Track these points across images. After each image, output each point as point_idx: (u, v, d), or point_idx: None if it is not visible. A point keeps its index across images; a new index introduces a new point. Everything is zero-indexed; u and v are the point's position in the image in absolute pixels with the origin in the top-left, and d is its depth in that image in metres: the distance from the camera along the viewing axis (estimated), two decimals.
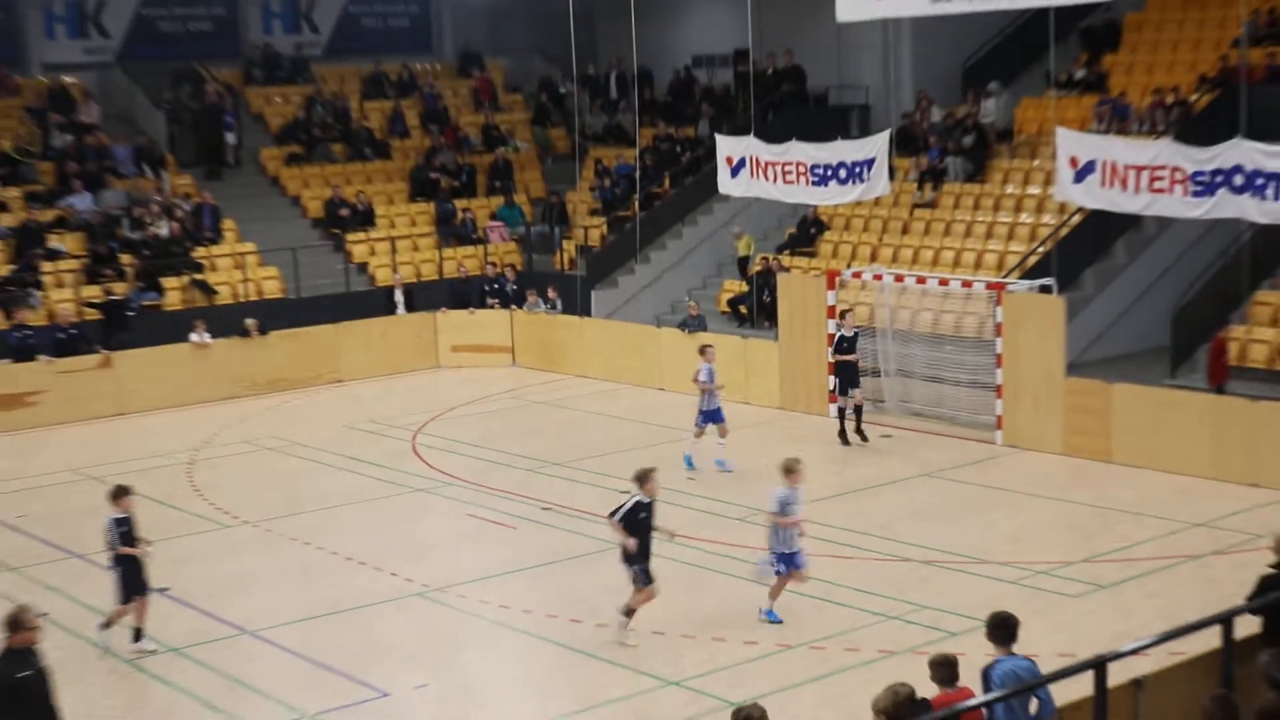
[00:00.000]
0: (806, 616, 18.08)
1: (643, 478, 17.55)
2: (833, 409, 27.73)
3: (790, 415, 28.59)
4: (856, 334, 26.71)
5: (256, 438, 28.68)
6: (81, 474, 26.47)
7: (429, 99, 43.38)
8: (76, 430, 29.76)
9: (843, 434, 26.37)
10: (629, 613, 17.35)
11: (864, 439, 26.36)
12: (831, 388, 27.35)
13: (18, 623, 12.72)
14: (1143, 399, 24.61)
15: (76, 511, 24.10)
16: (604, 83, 44.83)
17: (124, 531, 17.73)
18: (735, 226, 36.68)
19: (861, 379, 26.73)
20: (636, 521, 17.25)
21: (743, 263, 35.67)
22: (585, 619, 18.28)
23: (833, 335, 27.08)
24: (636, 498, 17.41)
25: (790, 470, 17.90)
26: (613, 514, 17.54)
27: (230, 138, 39.55)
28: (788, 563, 17.75)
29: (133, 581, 17.69)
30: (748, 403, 29.06)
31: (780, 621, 17.65)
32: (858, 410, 26.35)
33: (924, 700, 11.40)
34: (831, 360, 27.05)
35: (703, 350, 25.76)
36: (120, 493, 18.05)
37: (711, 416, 25.36)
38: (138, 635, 17.77)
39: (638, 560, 17.32)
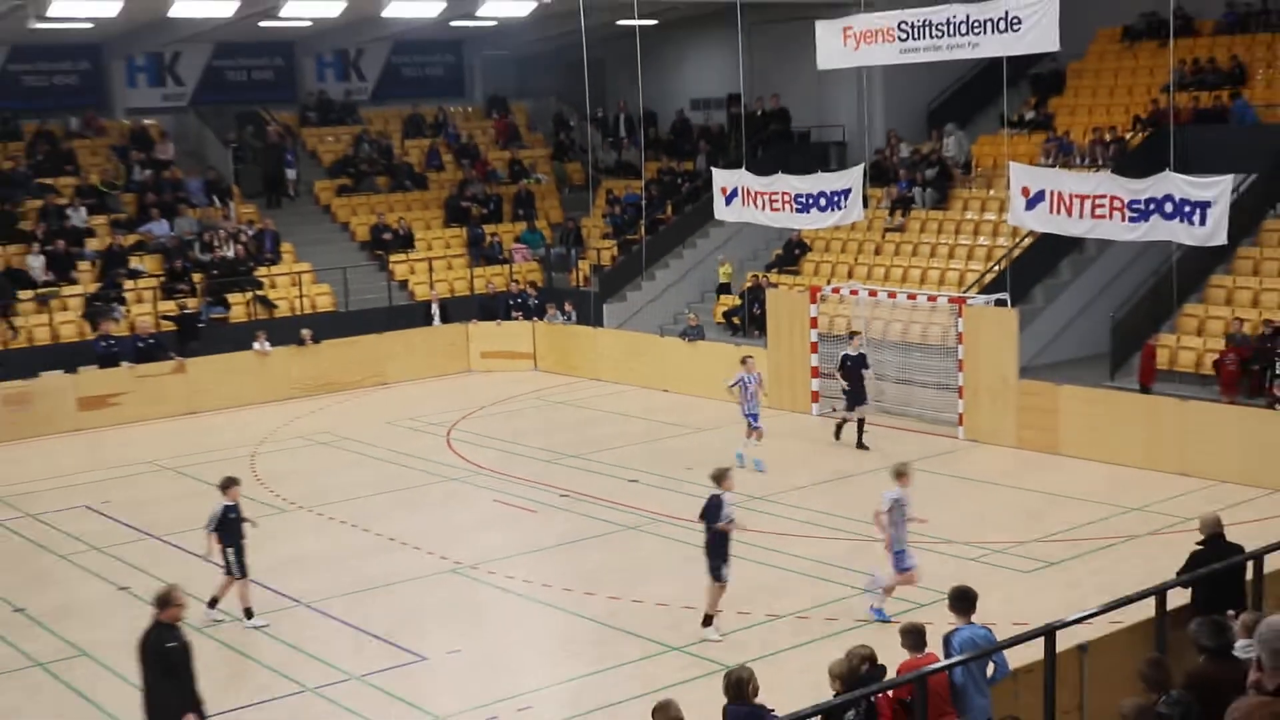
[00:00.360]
0: (793, 590, 18.04)
1: (720, 476, 16.77)
2: (815, 408, 27.77)
3: (778, 413, 28.45)
4: (863, 354, 25.73)
5: (310, 433, 28.63)
6: (157, 466, 26.46)
7: (452, 137, 43.37)
8: (153, 427, 29.70)
9: (838, 431, 25.77)
10: (708, 620, 16.56)
11: (864, 448, 25.25)
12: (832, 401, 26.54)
13: (167, 600, 12.81)
14: (1085, 399, 24.60)
15: (153, 499, 24.12)
16: (614, 123, 44.79)
17: (231, 518, 17.67)
18: (720, 255, 36.48)
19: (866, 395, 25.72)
20: (720, 518, 16.52)
21: (723, 286, 35.46)
22: (598, 592, 18.25)
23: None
24: (718, 494, 16.62)
25: (901, 473, 17.01)
26: (703, 516, 16.65)
27: (291, 174, 39.54)
28: (898, 561, 16.80)
29: (239, 563, 17.64)
30: (740, 402, 28.98)
31: (888, 620, 16.45)
32: (860, 423, 25.48)
33: (882, 665, 11.37)
34: (839, 376, 25.84)
35: (744, 361, 24.99)
36: (229, 483, 17.99)
37: (753, 419, 24.50)
38: (249, 614, 17.71)
39: (721, 557, 16.55)
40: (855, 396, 25.39)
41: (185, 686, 12.71)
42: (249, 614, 17.71)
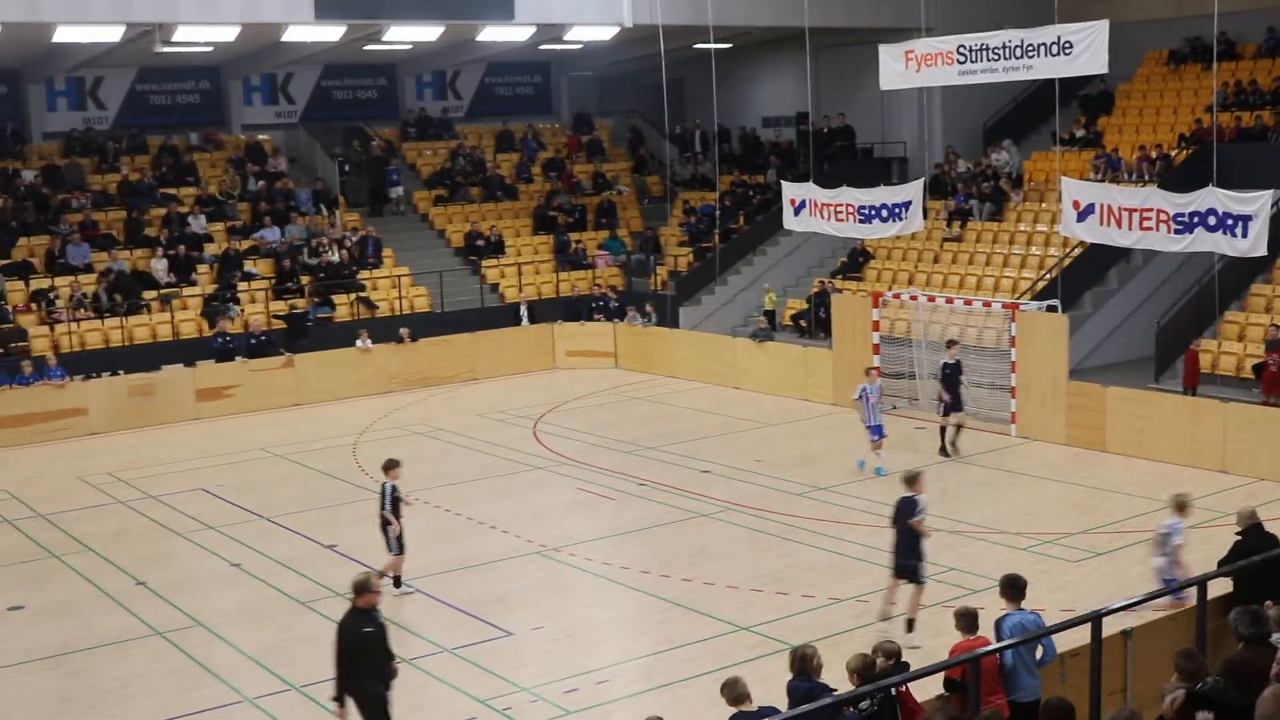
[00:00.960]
0: (853, 575, 17.93)
1: (912, 479, 15.91)
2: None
3: (842, 410, 28.30)
4: (959, 361, 24.52)
5: (407, 424, 28.76)
6: (268, 452, 26.67)
7: (528, 148, 43.45)
8: (263, 417, 29.95)
9: (943, 449, 24.18)
10: (910, 625, 15.56)
11: (956, 452, 24.10)
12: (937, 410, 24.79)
13: (365, 587, 12.51)
14: (1131, 399, 24.29)
15: (264, 483, 24.32)
16: (690, 139, 44.73)
17: (395, 498, 17.87)
18: (765, 284, 35.87)
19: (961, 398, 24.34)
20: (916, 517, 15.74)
21: (768, 313, 34.47)
22: (672, 574, 18.21)
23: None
24: (911, 496, 15.78)
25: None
26: (895, 520, 15.85)
27: (396, 191, 39.66)
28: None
29: (399, 540, 17.80)
30: (806, 399, 28.91)
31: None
32: (958, 429, 24.26)
33: (905, 661, 11.25)
34: (942, 386, 24.37)
35: (867, 371, 24.04)
36: (391, 464, 18.17)
37: (875, 430, 23.18)
38: (397, 583, 17.90)
39: (916, 556, 15.68)
40: (954, 404, 24.19)
41: (380, 666, 12.51)
42: (396, 583, 17.89)
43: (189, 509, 22.56)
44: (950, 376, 24.32)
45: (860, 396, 23.32)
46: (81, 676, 15.53)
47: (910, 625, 15.51)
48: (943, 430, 24.30)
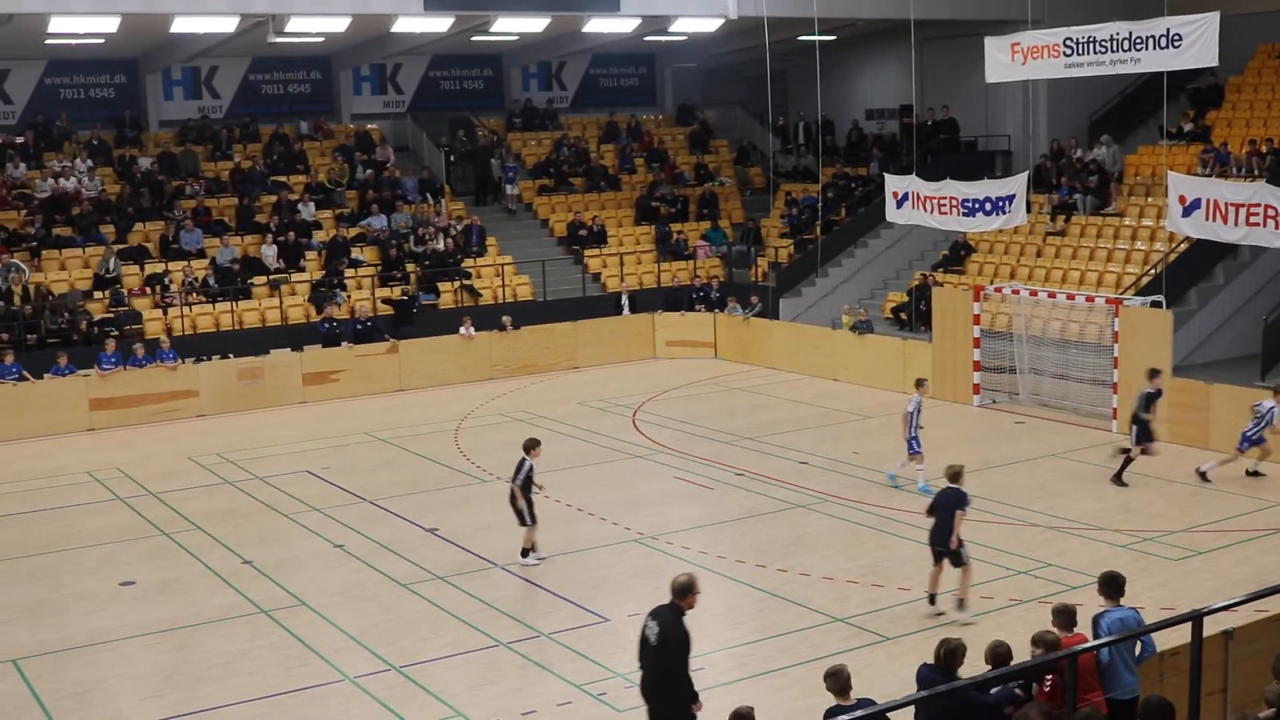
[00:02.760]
0: (950, 569, 17.74)
1: (956, 475, 16.30)
2: (976, 400, 27.29)
3: (940, 404, 28.08)
4: (1160, 391, 22.19)
5: (509, 411, 28.92)
6: (371, 436, 26.94)
7: (622, 136, 43.45)
8: (368, 402, 30.28)
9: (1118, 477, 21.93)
10: (961, 603, 16.01)
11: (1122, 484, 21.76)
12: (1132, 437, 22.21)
13: (689, 589, 11.69)
14: (1236, 397, 23.78)
15: (367, 466, 24.56)
16: (794, 131, 44.53)
17: (529, 477, 18.45)
18: (845, 304, 34.15)
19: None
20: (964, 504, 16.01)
21: (856, 325, 33.55)
22: (769, 565, 18.16)
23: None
24: (954, 488, 16.15)
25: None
26: (931, 511, 16.38)
27: (512, 189, 39.74)
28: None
29: (531, 512, 18.42)
30: (906, 392, 28.58)
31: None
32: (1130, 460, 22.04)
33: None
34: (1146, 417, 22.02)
35: (919, 383, 22.67)
36: (533, 444, 18.76)
37: (911, 444, 21.88)
38: (525, 553, 18.49)
39: (958, 543, 15.98)
40: (1146, 433, 22.15)
41: (683, 673, 11.65)
42: (525, 554, 18.46)
43: (294, 490, 22.85)
44: (1145, 408, 22.05)
45: (912, 409, 21.85)
46: (188, 651, 15.78)
47: (962, 604, 16.00)
48: (1128, 460, 22.00)
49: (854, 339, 30.93)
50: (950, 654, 10.73)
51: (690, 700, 11.64)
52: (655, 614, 11.74)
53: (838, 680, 10.53)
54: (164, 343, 29.79)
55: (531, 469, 18.46)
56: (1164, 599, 15.84)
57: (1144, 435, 21.85)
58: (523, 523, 18.38)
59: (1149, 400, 21.88)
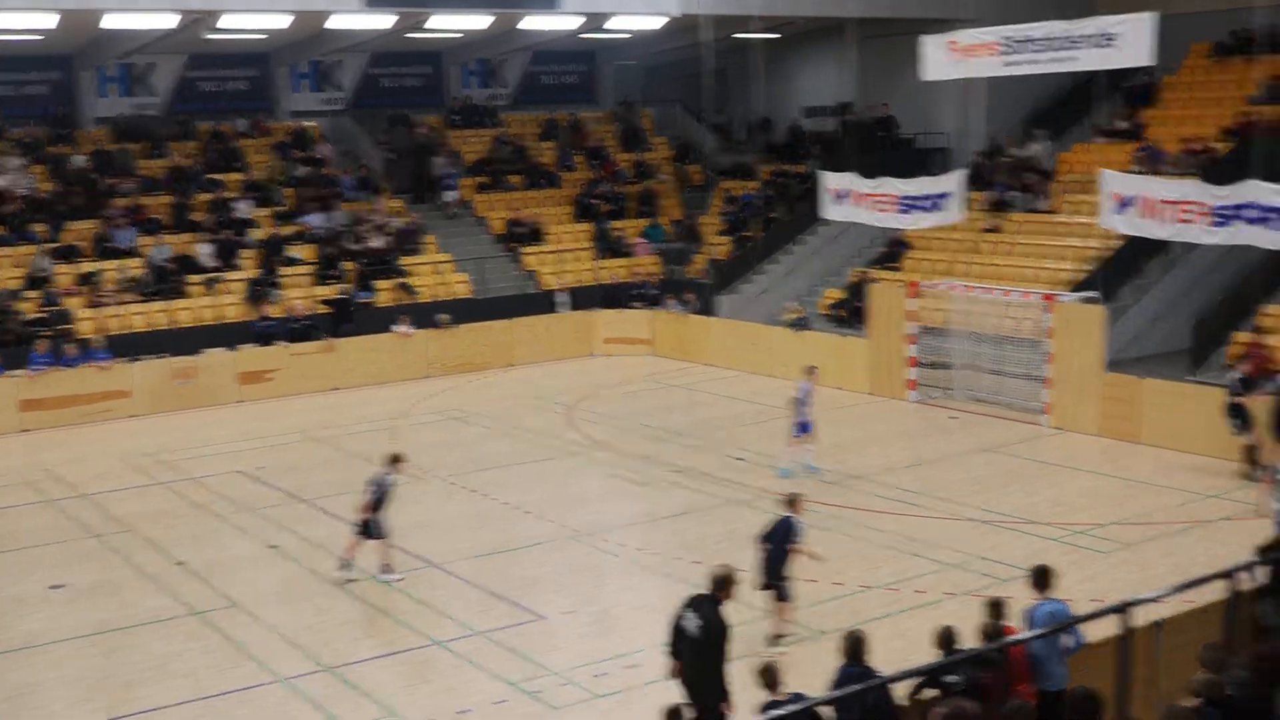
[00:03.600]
0: (883, 563, 17.83)
1: (793, 501, 15.43)
2: (912, 395, 27.41)
3: (876, 399, 28.28)
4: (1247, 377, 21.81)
5: (445, 409, 28.82)
6: (307, 435, 26.78)
7: (564, 135, 43.36)
8: (304, 401, 30.09)
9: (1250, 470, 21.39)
10: (777, 639, 15.14)
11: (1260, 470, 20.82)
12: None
13: (728, 580, 12.09)
14: (1167, 391, 24.07)
15: (302, 466, 24.41)
16: (732, 129, 44.58)
17: (386, 492, 18.09)
18: (789, 301, 34.49)
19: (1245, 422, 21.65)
20: (793, 540, 15.17)
21: (794, 323, 33.61)
22: (704, 560, 18.11)
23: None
24: (789, 517, 15.30)
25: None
26: (767, 538, 15.28)
27: (451, 195, 39.23)
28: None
29: (382, 528, 18.01)
30: (841, 388, 28.75)
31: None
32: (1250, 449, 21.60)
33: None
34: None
35: (809, 370, 23.28)
36: (397, 458, 18.47)
37: (803, 427, 22.61)
38: (386, 569, 17.99)
39: (785, 575, 15.19)
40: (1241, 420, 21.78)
41: (722, 665, 11.85)
42: (385, 569, 17.95)
43: (228, 491, 22.66)
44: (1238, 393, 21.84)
45: (802, 396, 22.44)
46: (120, 655, 15.62)
47: (775, 640, 15.04)
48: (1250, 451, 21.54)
49: (791, 335, 31.01)
50: (855, 644, 10.75)
51: (722, 697, 11.81)
52: (694, 605, 12.10)
53: (769, 675, 10.54)
54: (97, 342, 29.46)
55: (390, 484, 18.09)
56: (1094, 591, 15.97)
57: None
58: (374, 537, 17.93)
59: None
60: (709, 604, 12.04)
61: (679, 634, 12.08)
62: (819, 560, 15.76)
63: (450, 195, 39.06)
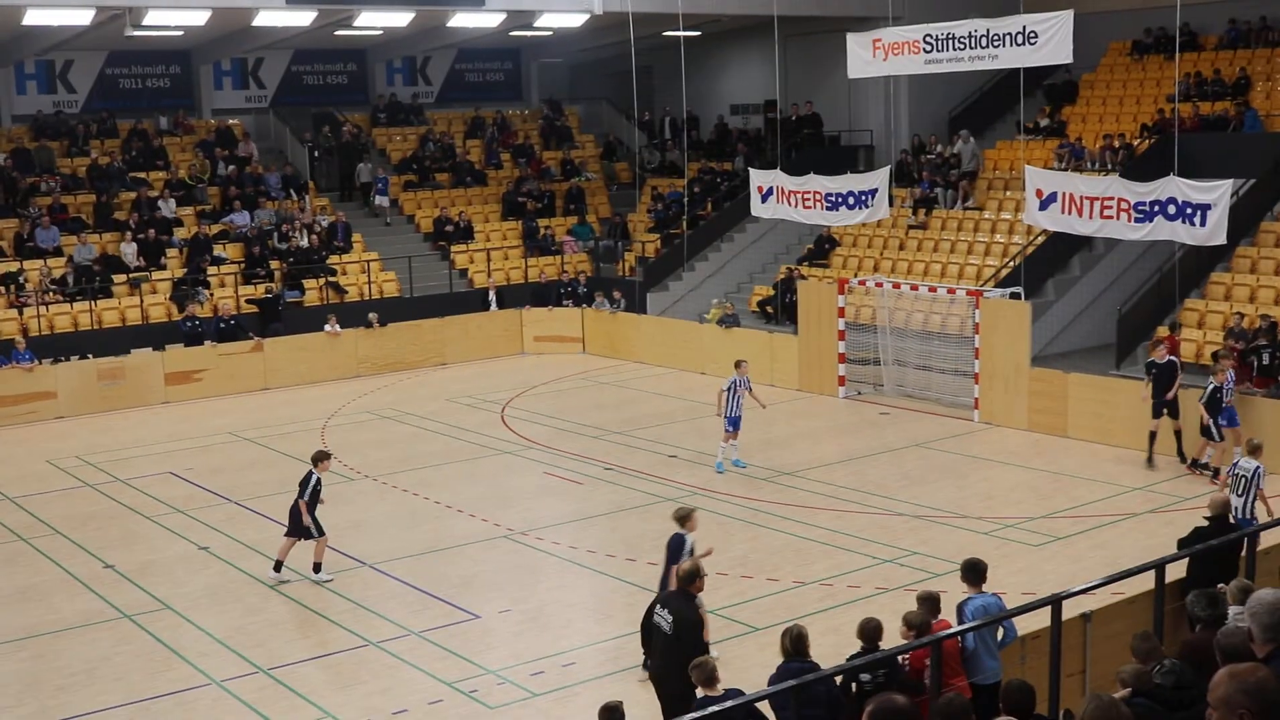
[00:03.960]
0: (817, 559, 17.95)
1: (685, 517, 14.67)
2: (842, 391, 27.61)
3: (807, 396, 28.45)
4: (1171, 362, 22.05)
5: (376, 408, 28.69)
6: (236, 436, 26.56)
7: (489, 133, 43.28)
8: (233, 401, 29.84)
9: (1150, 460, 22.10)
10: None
11: (1184, 461, 21.78)
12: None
13: (697, 574, 12.40)
14: (1092, 386, 24.41)
15: (232, 466, 24.22)
16: (659, 126, 44.70)
17: (317, 491, 17.91)
18: (715, 298, 34.81)
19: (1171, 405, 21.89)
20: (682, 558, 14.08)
21: (720, 321, 33.44)
22: (638, 558, 18.20)
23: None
24: (681, 534, 14.52)
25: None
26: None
27: (382, 200, 38.96)
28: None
29: (319, 526, 17.89)
30: (773, 385, 28.88)
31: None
32: (1177, 434, 22.00)
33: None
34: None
35: (738, 364, 23.19)
36: (323, 456, 18.25)
37: (733, 422, 22.64)
38: (318, 568, 17.89)
39: None
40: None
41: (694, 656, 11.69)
42: (317, 569, 17.85)
43: (157, 492, 22.44)
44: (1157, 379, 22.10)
45: (729, 389, 22.53)
46: (48, 659, 15.43)
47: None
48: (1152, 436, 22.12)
49: (720, 332, 31.14)
50: (798, 639, 10.80)
51: (690, 691, 11.64)
52: (665, 603, 12.30)
53: (703, 671, 10.58)
54: (19, 343, 29.04)
55: (319, 482, 17.95)
56: (1025, 584, 16.16)
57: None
58: (309, 537, 17.82)
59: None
60: (681, 599, 12.24)
61: (655, 631, 12.29)
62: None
63: (382, 199, 38.80)
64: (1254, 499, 15.93)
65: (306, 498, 17.80)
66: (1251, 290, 27.68)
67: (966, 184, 34.80)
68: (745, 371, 23.04)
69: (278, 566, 17.86)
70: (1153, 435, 22.12)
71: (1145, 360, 23.15)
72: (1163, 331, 25.26)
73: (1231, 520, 14.16)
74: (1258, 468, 16.02)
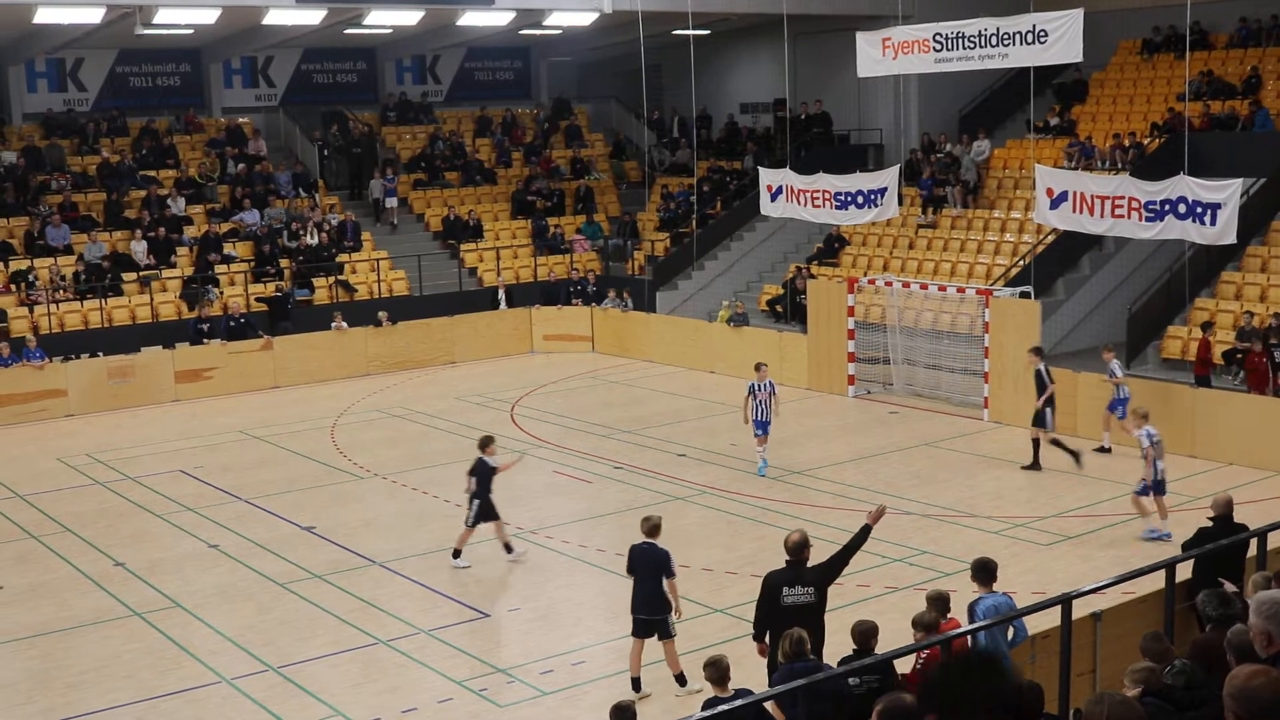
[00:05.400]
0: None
1: (654, 528, 14.05)
2: (851, 390, 27.62)
3: (816, 394, 28.43)
4: (1038, 372, 22.29)
5: (386, 407, 28.71)
6: (246, 434, 26.58)
7: (497, 131, 43.28)
8: (242, 399, 29.88)
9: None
10: (682, 678, 13.99)
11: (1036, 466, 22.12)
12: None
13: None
14: (1103, 385, 24.31)
15: (241, 465, 24.24)
16: (669, 125, 44.70)
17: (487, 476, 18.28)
18: (726, 299, 34.86)
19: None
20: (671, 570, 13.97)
21: (733, 318, 32.81)
22: None
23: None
24: (650, 543, 13.98)
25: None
26: (631, 570, 14.19)
27: (391, 202, 38.79)
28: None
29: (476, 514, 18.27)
30: (782, 383, 28.79)
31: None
32: (1034, 443, 22.20)
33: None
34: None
35: (758, 367, 22.77)
36: (487, 442, 18.68)
37: (761, 426, 22.30)
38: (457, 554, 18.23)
39: (664, 610, 13.95)
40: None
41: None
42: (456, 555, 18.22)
43: (167, 490, 22.48)
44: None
45: (750, 392, 22.25)
46: (59, 657, 15.47)
47: (682, 679, 13.92)
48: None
49: (730, 331, 31.14)
50: (798, 643, 10.76)
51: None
52: (798, 580, 12.39)
53: (716, 670, 10.59)
54: (30, 341, 29.11)
55: (489, 469, 18.23)
56: (1035, 583, 16.16)
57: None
58: (488, 519, 18.21)
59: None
60: (805, 570, 12.50)
61: (784, 614, 12.13)
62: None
63: (391, 201, 38.67)
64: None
65: (476, 484, 18.13)
66: (1262, 289, 27.65)
67: (958, 190, 34.63)
68: (765, 375, 22.54)
69: (456, 554, 18.16)
70: (1036, 442, 22.28)
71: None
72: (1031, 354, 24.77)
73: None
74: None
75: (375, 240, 37.04)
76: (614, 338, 34.15)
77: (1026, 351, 23.10)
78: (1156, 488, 18.46)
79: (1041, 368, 22.35)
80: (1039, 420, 22.20)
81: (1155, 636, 10.11)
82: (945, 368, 27.86)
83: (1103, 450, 22.98)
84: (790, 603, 12.13)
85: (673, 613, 13.93)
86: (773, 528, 19.19)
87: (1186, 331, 27.36)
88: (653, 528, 14.06)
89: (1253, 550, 12.68)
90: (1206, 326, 26.01)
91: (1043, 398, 22.11)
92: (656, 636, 13.92)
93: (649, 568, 13.91)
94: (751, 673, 12.28)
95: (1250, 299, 27.51)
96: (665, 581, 13.84)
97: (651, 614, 13.88)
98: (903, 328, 28.74)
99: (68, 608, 17.06)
